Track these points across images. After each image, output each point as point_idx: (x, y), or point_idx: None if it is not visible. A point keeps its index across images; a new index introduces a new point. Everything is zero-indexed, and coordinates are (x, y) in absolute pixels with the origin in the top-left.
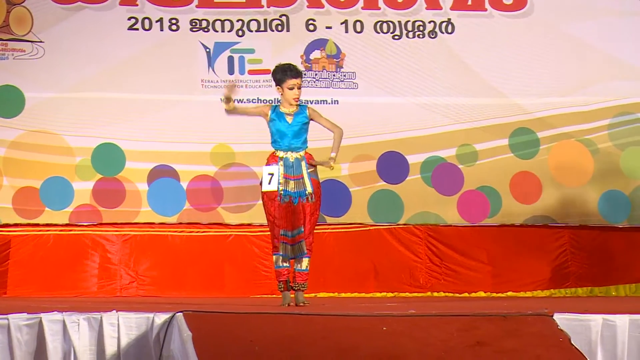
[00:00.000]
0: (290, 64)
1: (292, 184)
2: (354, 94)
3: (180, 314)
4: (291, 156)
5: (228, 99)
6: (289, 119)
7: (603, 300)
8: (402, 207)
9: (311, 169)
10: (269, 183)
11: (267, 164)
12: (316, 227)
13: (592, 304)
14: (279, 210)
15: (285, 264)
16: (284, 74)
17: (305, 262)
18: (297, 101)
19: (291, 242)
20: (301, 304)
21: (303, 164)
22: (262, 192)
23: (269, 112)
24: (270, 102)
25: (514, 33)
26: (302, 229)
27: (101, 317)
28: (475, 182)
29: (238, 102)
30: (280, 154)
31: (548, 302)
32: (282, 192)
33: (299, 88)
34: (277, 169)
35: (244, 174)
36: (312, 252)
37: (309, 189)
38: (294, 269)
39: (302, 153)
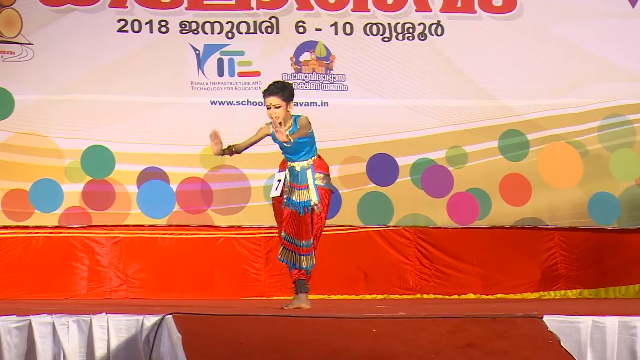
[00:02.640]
0: (274, 81)
1: (297, 193)
2: (343, 96)
3: (170, 316)
4: (297, 165)
5: (220, 151)
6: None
7: (593, 302)
8: (391, 209)
9: (320, 178)
10: (276, 189)
11: (279, 170)
12: None
13: (581, 306)
14: (281, 215)
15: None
16: (263, 94)
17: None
18: (277, 120)
19: (298, 250)
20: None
21: (309, 172)
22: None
23: (270, 132)
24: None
25: (504, 35)
26: (312, 241)
27: (91, 320)
28: (465, 184)
29: (228, 105)
30: (288, 162)
31: (537, 304)
32: (285, 199)
33: (276, 107)
34: (285, 176)
35: (233, 176)
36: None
37: (314, 199)
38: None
39: (309, 161)
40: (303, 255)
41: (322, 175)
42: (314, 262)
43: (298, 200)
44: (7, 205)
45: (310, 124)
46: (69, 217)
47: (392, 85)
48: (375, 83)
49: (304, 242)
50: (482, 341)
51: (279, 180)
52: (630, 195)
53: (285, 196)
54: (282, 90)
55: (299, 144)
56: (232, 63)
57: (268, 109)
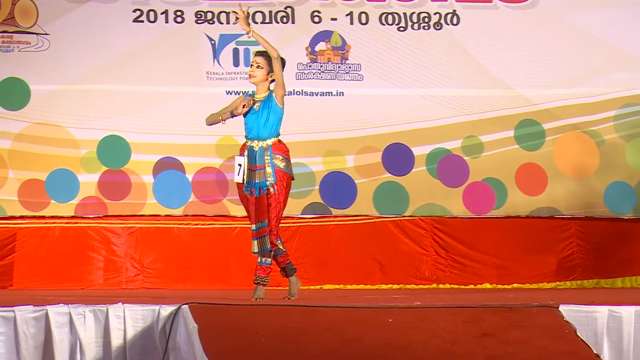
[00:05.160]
0: None
1: (255, 175)
2: (359, 86)
3: (186, 306)
4: (256, 145)
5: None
6: (257, 106)
7: (609, 292)
8: (407, 199)
9: (280, 159)
10: (238, 174)
11: (240, 153)
12: (322, 219)
13: (598, 295)
14: (247, 203)
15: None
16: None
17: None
18: (253, 79)
19: (255, 235)
20: (254, 299)
21: (267, 152)
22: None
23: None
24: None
25: (520, 24)
26: (266, 223)
27: (107, 310)
28: (481, 173)
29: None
30: (248, 142)
31: (554, 294)
32: (246, 183)
33: (258, 67)
34: (244, 160)
35: None
36: (275, 247)
37: (271, 179)
38: (257, 262)
39: (268, 142)
40: (260, 238)
41: (281, 157)
42: (269, 246)
43: (256, 182)
44: (24, 195)
45: (283, 98)
46: (85, 207)
47: (407, 75)
48: (391, 73)
49: (257, 224)
50: (499, 331)
51: (240, 165)
52: None
53: (244, 179)
54: (260, 53)
55: (269, 116)
56: (247, 53)
57: (250, 66)
